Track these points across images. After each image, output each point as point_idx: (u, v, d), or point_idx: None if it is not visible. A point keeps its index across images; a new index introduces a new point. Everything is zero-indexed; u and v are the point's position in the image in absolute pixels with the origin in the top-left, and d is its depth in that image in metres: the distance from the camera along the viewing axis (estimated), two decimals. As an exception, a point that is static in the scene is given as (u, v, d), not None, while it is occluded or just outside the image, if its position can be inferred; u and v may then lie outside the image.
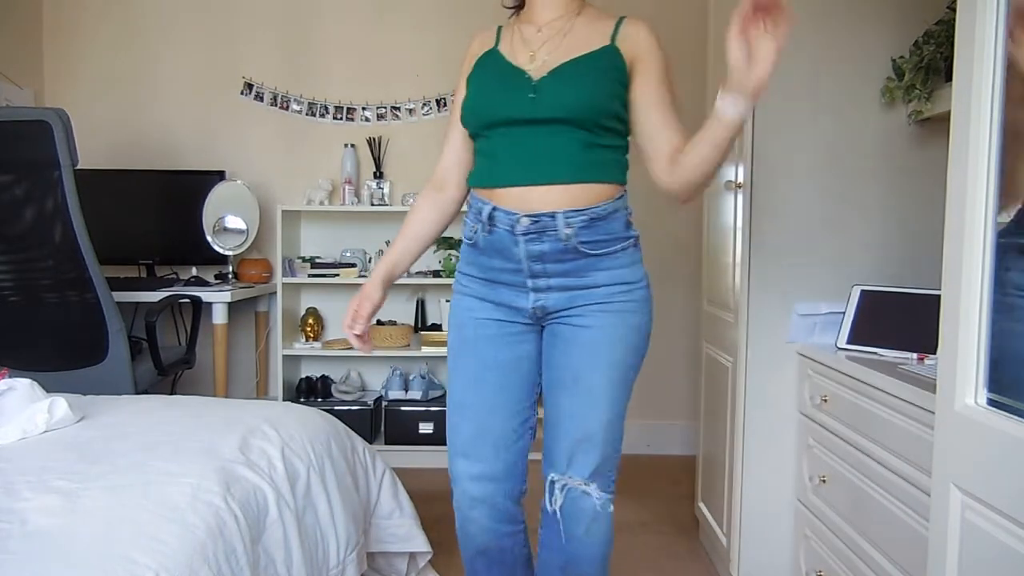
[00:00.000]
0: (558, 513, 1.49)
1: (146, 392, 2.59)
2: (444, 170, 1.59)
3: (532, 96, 1.40)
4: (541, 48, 1.46)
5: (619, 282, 1.45)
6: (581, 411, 1.46)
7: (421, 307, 3.56)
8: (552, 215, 1.40)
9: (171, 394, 2.72)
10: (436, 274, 3.38)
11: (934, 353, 1.58)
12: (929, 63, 1.86)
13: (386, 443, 3.30)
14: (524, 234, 1.42)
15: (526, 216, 1.41)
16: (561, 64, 1.42)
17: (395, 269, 1.61)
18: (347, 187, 3.43)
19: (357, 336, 1.58)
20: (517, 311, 1.49)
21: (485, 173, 1.49)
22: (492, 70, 1.49)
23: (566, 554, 1.52)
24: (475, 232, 1.48)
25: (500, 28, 1.56)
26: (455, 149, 1.58)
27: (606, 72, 1.42)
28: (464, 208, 1.59)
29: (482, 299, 1.52)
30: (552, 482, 1.49)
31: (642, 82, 1.44)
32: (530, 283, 1.46)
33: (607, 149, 1.45)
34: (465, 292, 1.54)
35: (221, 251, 3.29)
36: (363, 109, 3.57)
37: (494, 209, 1.44)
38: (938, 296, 1.14)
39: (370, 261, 3.47)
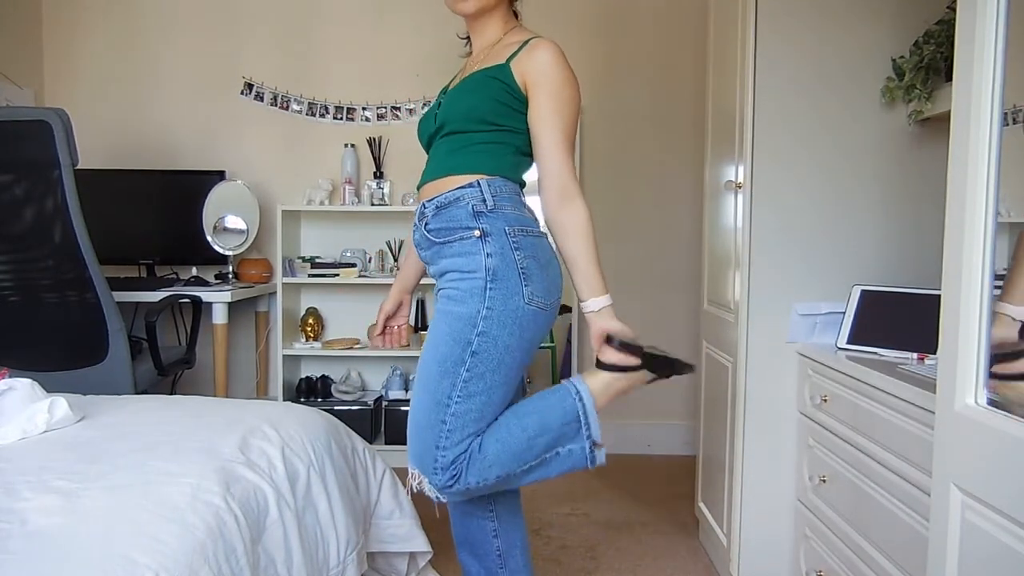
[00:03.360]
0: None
1: (146, 392, 2.59)
2: None
3: (437, 112, 1.60)
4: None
5: (453, 270, 1.53)
6: (414, 395, 1.56)
7: (421, 307, 3.56)
8: (421, 206, 1.58)
9: (171, 394, 2.72)
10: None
11: (934, 353, 1.58)
12: (929, 63, 1.86)
13: (386, 443, 3.30)
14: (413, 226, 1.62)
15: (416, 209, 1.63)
16: (459, 83, 1.60)
17: (406, 281, 1.85)
18: (347, 187, 3.43)
19: (379, 335, 1.83)
20: None
21: None
22: (435, 102, 1.68)
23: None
24: None
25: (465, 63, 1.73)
26: None
27: (487, 84, 1.52)
28: None
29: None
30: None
31: (530, 108, 1.53)
32: (430, 270, 1.63)
33: (481, 144, 1.53)
34: None
35: (221, 251, 3.30)
36: (363, 109, 3.57)
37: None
38: (938, 296, 1.14)
39: (370, 261, 3.47)
